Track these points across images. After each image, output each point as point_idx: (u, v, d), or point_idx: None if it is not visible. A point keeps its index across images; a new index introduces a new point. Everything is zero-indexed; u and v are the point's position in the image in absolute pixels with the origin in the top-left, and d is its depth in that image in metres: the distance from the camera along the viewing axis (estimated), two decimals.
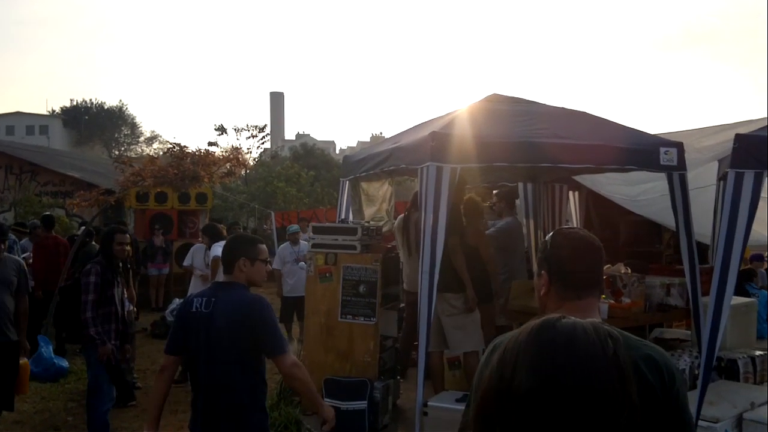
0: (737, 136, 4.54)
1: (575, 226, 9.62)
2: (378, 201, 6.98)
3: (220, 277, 5.96)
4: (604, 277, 5.90)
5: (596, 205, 8.85)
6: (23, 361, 5.38)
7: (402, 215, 6.31)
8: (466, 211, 6.22)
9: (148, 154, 22.00)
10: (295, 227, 9.25)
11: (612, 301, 5.42)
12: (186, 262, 8.19)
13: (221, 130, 29.83)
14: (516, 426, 0.96)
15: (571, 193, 8.72)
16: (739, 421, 4.27)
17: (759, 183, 4.41)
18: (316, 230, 5.74)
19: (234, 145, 16.71)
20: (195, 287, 7.20)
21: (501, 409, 0.98)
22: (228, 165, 13.77)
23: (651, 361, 1.46)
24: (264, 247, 3.25)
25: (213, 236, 7.36)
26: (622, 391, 0.97)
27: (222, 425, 2.96)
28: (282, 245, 9.60)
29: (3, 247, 5.20)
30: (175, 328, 3.13)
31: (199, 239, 7.88)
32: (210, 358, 2.96)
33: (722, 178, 4.72)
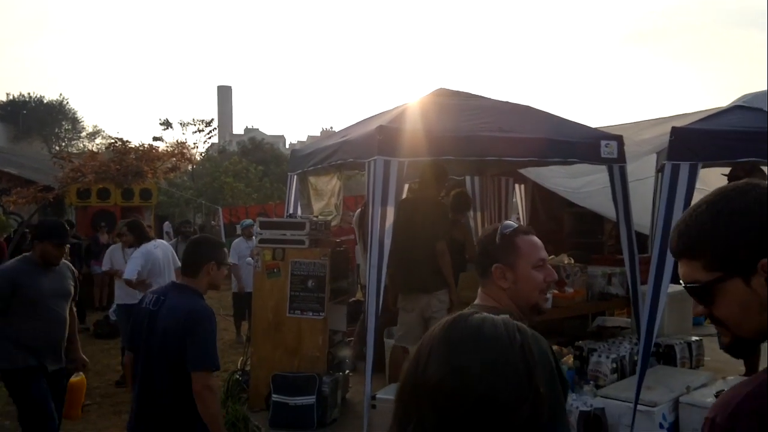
0: (673, 129, 4.68)
1: (522, 217, 9.83)
2: (327, 195, 6.94)
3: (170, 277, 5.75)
4: None
5: (541, 197, 9.03)
6: (79, 377, 4.48)
7: (360, 209, 6.30)
8: (456, 205, 6.28)
9: (89, 150, 21.29)
10: (249, 221, 9.14)
11: (556, 291, 5.54)
12: (105, 266, 7.62)
13: (166, 124, 29.10)
14: (428, 415, 1.00)
15: (517, 186, 8.88)
16: (676, 404, 4.43)
17: (694, 174, 4.56)
18: (263, 225, 5.68)
19: (179, 140, 16.29)
20: (122, 293, 6.50)
21: (415, 399, 1.02)
22: (173, 160, 13.48)
23: None
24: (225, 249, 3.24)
25: (141, 236, 6.47)
26: (529, 382, 1.01)
27: (150, 428, 2.90)
28: (236, 240, 9.49)
29: (64, 251, 4.32)
30: (129, 326, 3.11)
31: (123, 238, 6.92)
32: (147, 358, 2.90)
33: (660, 169, 4.86)
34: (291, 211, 6.36)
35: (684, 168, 4.55)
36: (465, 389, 0.99)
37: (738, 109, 4.96)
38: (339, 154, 5.55)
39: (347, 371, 5.69)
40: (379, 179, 4.67)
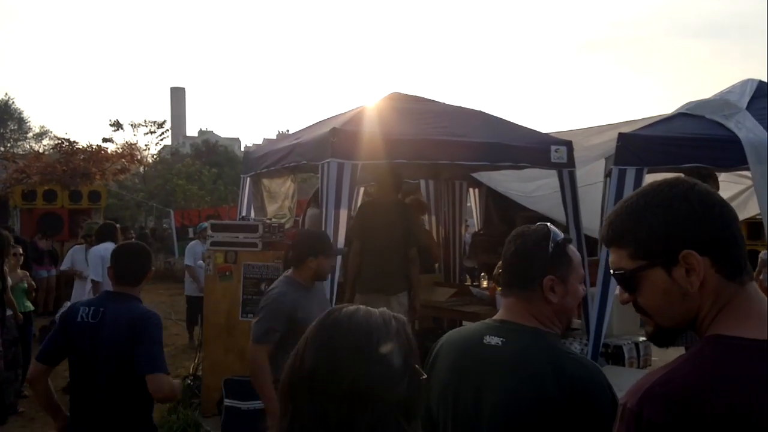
0: (620, 134, 4.82)
1: (477, 221, 9.95)
2: (281, 198, 6.89)
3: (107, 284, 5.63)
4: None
5: (495, 201, 9.14)
6: None
7: (312, 210, 6.29)
8: (415, 211, 6.33)
9: (34, 150, 20.62)
10: (205, 224, 9.00)
11: None
12: (64, 265, 7.64)
13: (116, 125, 28.37)
14: (305, 404, 1.03)
15: (471, 189, 8.98)
16: None
17: (640, 179, 4.71)
18: (215, 228, 5.60)
19: (129, 141, 15.91)
20: (79, 292, 6.67)
21: (293, 389, 1.06)
22: (122, 162, 13.18)
23: None
24: None
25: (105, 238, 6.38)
26: (404, 367, 1.04)
27: None
28: (192, 243, 9.37)
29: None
30: (54, 338, 2.92)
31: (89, 239, 7.06)
32: (94, 370, 2.81)
33: (608, 174, 4.99)
34: (244, 214, 6.29)
35: (630, 173, 4.69)
36: (337, 375, 1.02)
37: (681, 116, 5.13)
38: (292, 157, 5.52)
39: None
40: (332, 182, 4.66)
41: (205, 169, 25.55)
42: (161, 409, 5.00)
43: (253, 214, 6.39)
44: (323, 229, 4.59)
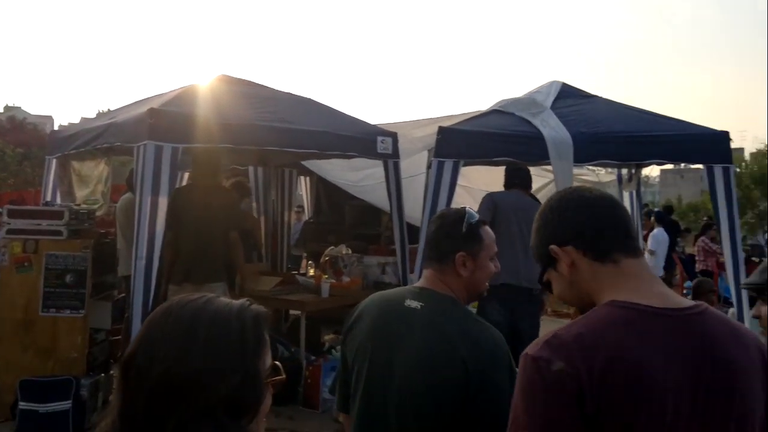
0: (440, 128, 5.04)
1: (307, 209, 9.94)
2: (93, 182, 6.36)
3: None
4: (326, 258, 6.08)
5: (325, 189, 9.21)
6: None
7: (126, 195, 5.88)
8: (237, 194, 6.09)
9: None
10: (1, 210, 8.04)
11: (333, 281, 5.67)
12: None
13: None
14: (115, 395, 1.01)
15: (302, 177, 8.95)
16: None
17: (456, 171, 4.95)
18: (12, 214, 5.02)
19: None
20: None
21: (125, 378, 1.02)
22: None
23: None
24: None
25: None
26: (241, 361, 1.01)
27: None
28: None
29: None
30: None
31: None
32: None
33: (429, 166, 5.20)
34: (48, 199, 5.73)
35: (448, 165, 4.92)
36: (149, 366, 0.98)
37: (495, 113, 5.47)
38: (105, 137, 5.11)
39: (111, 372, 5.27)
40: (149, 166, 4.38)
41: (8, 149, 23.00)
42: None
43: (59, 199, 5.83)
44: (137, 217, 4.29)
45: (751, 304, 1.78)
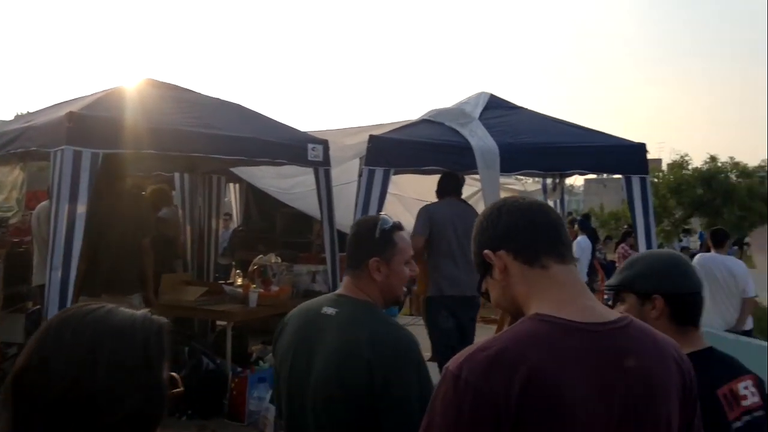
0: (371, 137, 5.06)
1: (236, 217, 9.76)
2: (7, 189, 6.04)
3: None
4: (255, 267, 5.96)
5: (255, 197, 9.07)
6: None
7: (43, 203, 5.62)
8: (158, 202, 5.90)
9: None
10: None
11: (261, 290, 5.59)
12: None
13: None
14: (12, 406, 0.94)
15: (231, 185, 8.78)
16: None
17: (387, 179, 4.98)
18: None
19: None
20: None
21: (16, 395, 0.95)
22: None
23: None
24: None
25: None
26: (146, 377, 0.97)
27: None
28: None
29: None
30: None
31: None
32: None
33: (360, 174, 5.20)
34: None
35: (378, 173, 4.94)
36: (48, 381, 0.92)
37: (425, 122, 5.54)
38: (21, 142, 4.86)
39: None
40: (67, 172, 4.18)
41: None
42: None
43: None
44: (52, 225, 4.10)
45: (613, 305, 1.85)
